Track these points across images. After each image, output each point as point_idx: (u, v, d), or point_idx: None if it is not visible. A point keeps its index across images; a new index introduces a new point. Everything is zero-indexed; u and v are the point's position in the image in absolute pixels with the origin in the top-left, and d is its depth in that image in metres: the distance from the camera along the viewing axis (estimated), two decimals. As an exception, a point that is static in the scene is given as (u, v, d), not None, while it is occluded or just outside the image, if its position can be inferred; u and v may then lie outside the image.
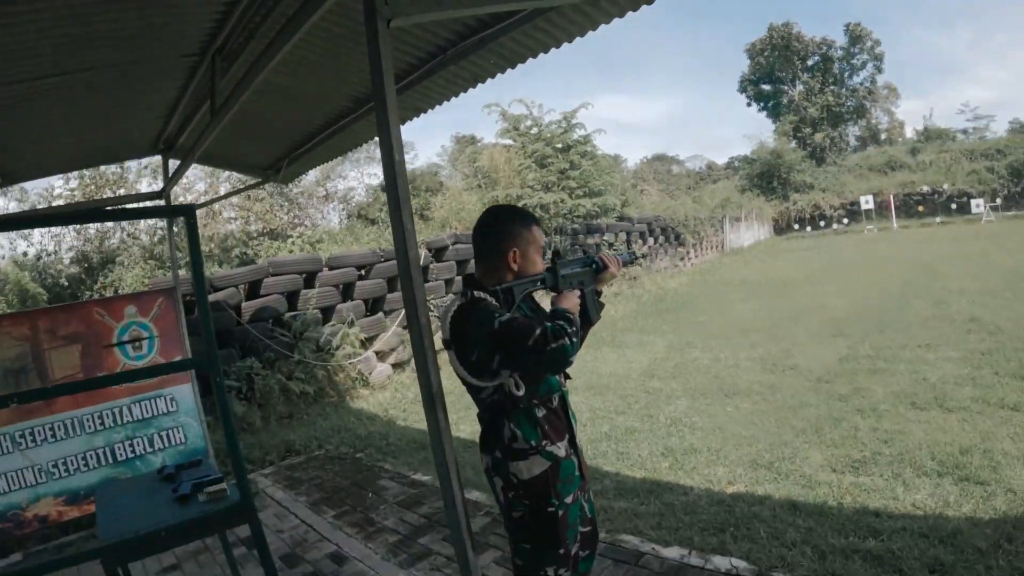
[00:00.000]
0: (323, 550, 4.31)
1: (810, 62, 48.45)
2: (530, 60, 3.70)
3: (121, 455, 5.24)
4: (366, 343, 9.41)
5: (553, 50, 3.58)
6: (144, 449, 5.32)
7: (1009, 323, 8.59)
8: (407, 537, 4.37)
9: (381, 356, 9.72)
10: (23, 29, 2.76)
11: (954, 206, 32.00)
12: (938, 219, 31.23)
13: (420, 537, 4.34)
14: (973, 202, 30.52)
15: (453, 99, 4.35)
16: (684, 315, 13.02)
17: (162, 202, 5.89)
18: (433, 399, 2.15)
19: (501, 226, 2.39)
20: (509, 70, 3.80)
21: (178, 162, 5.24)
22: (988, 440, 4.90)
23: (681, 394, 7.30)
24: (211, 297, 7.72)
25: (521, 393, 2.23)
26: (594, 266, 2.57)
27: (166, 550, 3.30)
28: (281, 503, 5.27)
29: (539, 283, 2.37)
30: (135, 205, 7.72)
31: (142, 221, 13.40)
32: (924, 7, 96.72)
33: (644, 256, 18.46)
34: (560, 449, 2.30)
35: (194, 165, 5.43)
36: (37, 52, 3.01)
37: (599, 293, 2.61)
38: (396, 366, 9.89)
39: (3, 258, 13.64)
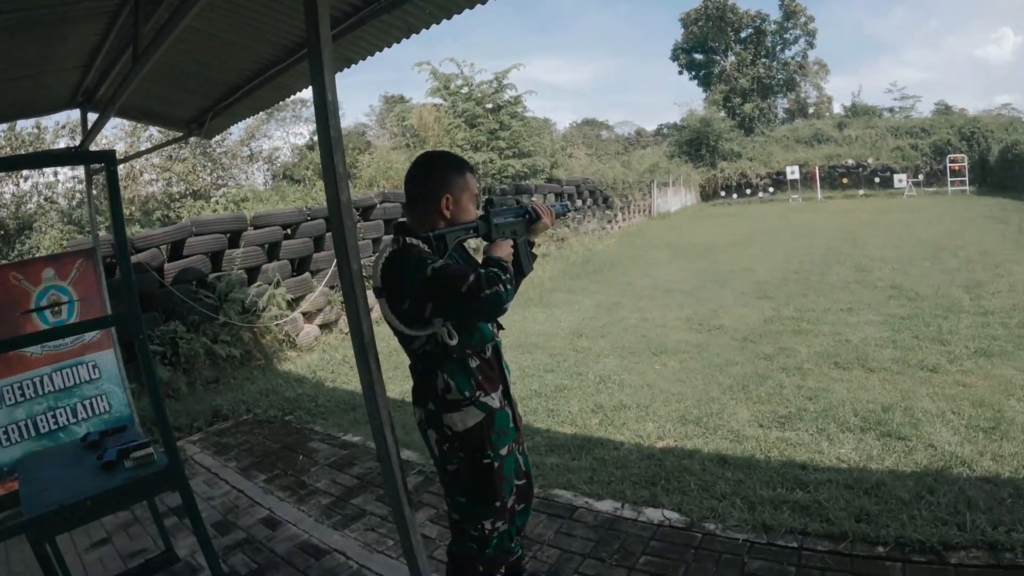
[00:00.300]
0: (255, 515, 4.21)
1: (743, 34, 49.18)
2: (466, 13, 3.60)
3: (44, 427, 4.93)
4: (293, 304, 9.17)
5: (491, 2, 3.49)
6: (68, 420, 5.02)
7: (928, 290, 8.96)
8: (340, 498, 4.31)
9: (308, 317, 9.51)
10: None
11: (877, 180, 33.13)
12: (862, 192, 32.30)
13: (353, 498, 4.29)
14: (896, 177, 31.60)
15: (386, 50, 4.20)
16: (611, 276, 13.16)
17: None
18: (365, 349, 2.08)
19: (434, 172, 2.34)
20: (445, 20, 3.67)
21: (97, 115, 4.95)
22: (909, 399, 5.10)
23: (610, 352, 7.40)
24: (132, 258, 7.31)
25: (454, 343, 2.20)
26: (527, 216, 2.55)
27: (94, 520, 3.15)
28: (211, 470, 5.13)
29: (472, 231, 2.33)
30: (50, 154, 7.25)
31: (60, 184, 12.76)
32: None
33: (577, 209, 18.54)
34: (494, 400, 2.29)
35: (114, 124, 5.16)
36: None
37: (532, 244, 2.59)
38: (323, 327, 9.71)
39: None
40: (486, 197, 2.71)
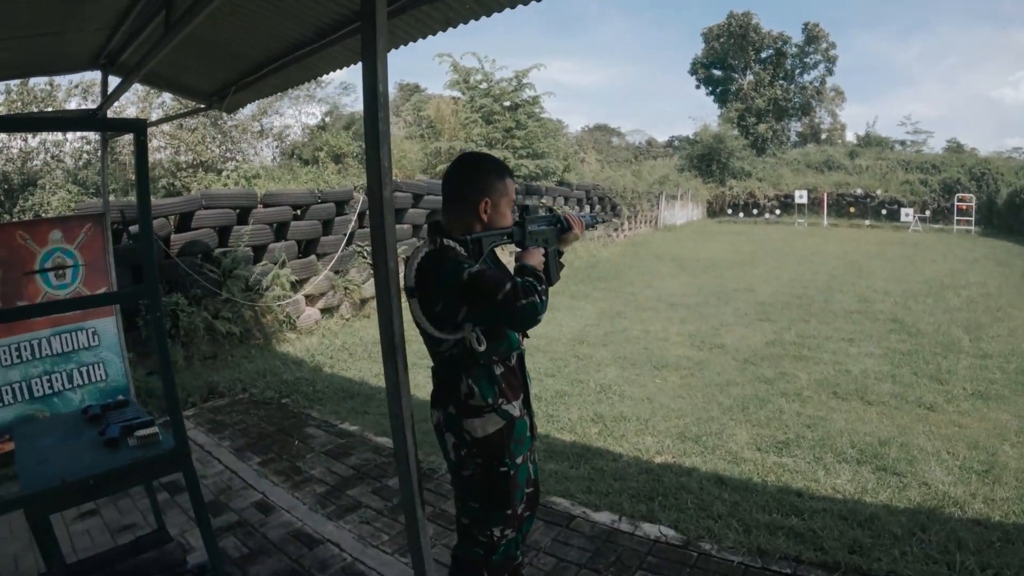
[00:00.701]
0: (249, 498, 4.19)
1: (764, 54, 49.22)
2: (507, 11, 3.58)
3: (38, 391, 4.88)
4: (296, 286, 9.15)
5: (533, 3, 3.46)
6: (63, 385, 4.98)
7: (929, 327, 8.96)
8: (335, 488, 4.29)
9: (310, 300, 9.49)
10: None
11: (884, 212, 33.09)
12: (867, 222, 32.26)
13: (349, 488, 4.26)
14: (903, 211, 31.58)
15: (416, 42, 4.18)
16: (616, 284, 13.18)
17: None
18: (394, 349, 2.05)
19: (476, 174, 2.31)
20: (484, 17, 3.65)
21: (119, 80, 4.88)
22: (905, 435, 5.12)
23: (611, 362, 7.40)
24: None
25: (482, 349, 2.16)
26: (560, 225, 2.52)
27: (94, 499, 3.13)
28: (204, 447, 5.10)
29: (506, 237, 2.31)
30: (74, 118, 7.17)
31: (68, 144, 12.61)
32: (883, 18, 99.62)
33: (606, 221, 18.41)
34: (515, 408, 2.27)
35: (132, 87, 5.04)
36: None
37: (561, 254, 2.56)
38: (325, 311, 9.69)
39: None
40: (521, 204, 2.72)
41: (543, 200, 15.82)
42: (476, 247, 2.17)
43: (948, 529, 3.58)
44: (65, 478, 2.44)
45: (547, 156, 17.57)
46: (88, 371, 5.11)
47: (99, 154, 6.02)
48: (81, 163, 12.61)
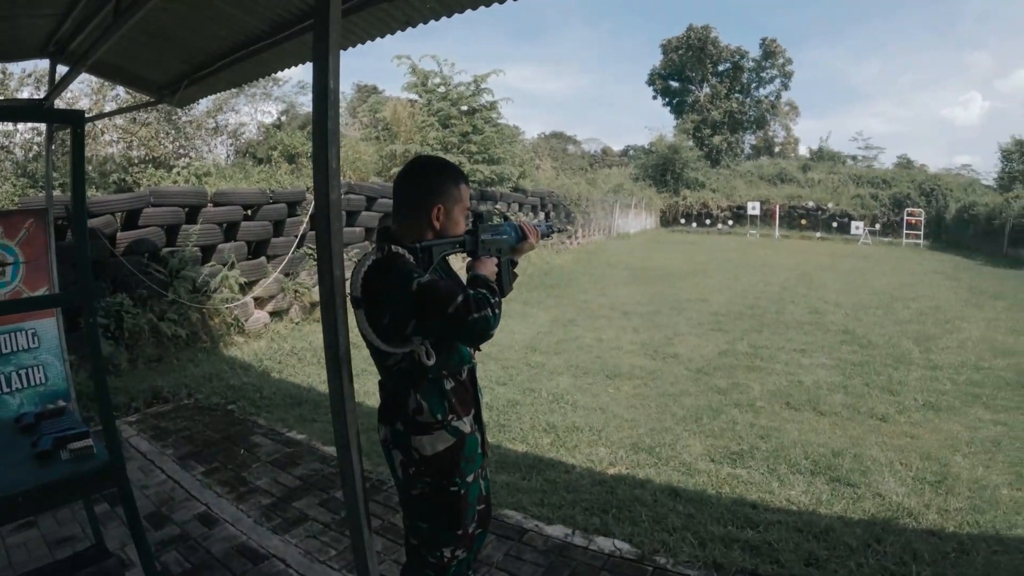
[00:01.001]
0: (191, 510, 4.01)
1: (721, 68, 50.28)
2: (468, 14, 3.51)
3: None
4: (245, 288, 8.91)
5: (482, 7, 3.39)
6: (0, 388, 4.76)
7: (880, 339, 9.12)
8: (281, 500, 4.13)
9: (259, 303, 9.25)
10: None
11: (835, 225, 33.94)
12: (818, 234, 33.06)
13: (295, 500, 4.11)
14: (853, 224, 32.52)
15: (375, 40, 4.07)
16: (568, 292, 13.17)
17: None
18: (339, 362, 1.91)
19: (430, 179, 2.21)
20: (445, 17, 3.58)
21: (67, 69, 4.67)
22: (858, 446, 5.16)
23: (563, 371, 7.35)
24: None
25: (431, 363, 2.07)
26: (514, 234, 2.44)
27: (23, 518, 2.95)
28: (147, 456, 4.88)
29: (458, 246, 2.21)
30: (13, 107, 6.86)
31: (18, 134, 12.18)
32: (840, 36, 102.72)
33: (563, 230, 18.42)
34: (466, 424, 2.17)
35: (81, 79, 4.83)
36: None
37: (514, 264, 2.47)
38: (274, 314, 9.45)
39: None
40: (475, 211, 2.62)
41: (498, 206, 15.78)
42: (426, 256, 2.06)
43: (903, 540, 3.61)
44: (-6, 495, 2.28)
45: (503, 162, 17.55)
46: (27, 374, 4.76)
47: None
48: (31, 155, 12.18)
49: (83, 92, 13.27)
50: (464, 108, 17.21)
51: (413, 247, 2.06)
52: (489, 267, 2.20)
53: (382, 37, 3.99)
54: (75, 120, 2.48)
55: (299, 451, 4.94)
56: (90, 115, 9.06)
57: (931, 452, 5.03)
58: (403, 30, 3.83)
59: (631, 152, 51.40)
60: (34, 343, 4.78)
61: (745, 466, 4.75)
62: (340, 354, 1.90)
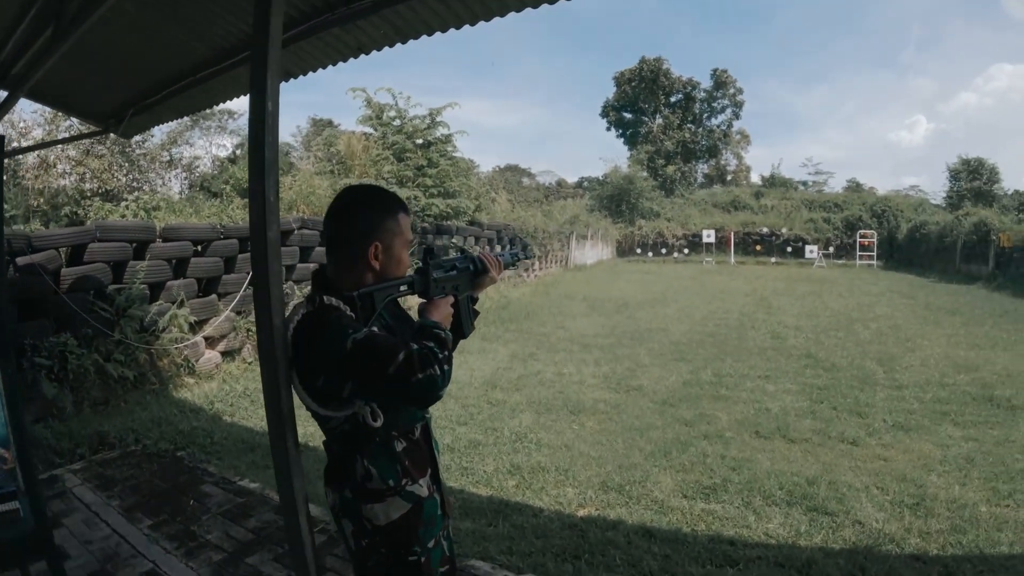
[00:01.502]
0: (138, 568, 3.71)
1: (673, 99, 51.39)
2: (405, 44, 3.44)
3: None
4: (196, 327, 8.55)
5: (438, 34, 3.30)
6: None
7: (843, 361, 9.17)
8: (233, 555, 3.85)
9: (211, 342, 8.89)
10: None
11: (789, 249, 34.69)
12: (773, 259, 33.70)
13: (248, 556, 3.83)
14: (808, 248, 33.30)
15: (320, 71, 3.98)
16: (527, 326, 12.96)
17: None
18: (283, 422, 1.70)
19: (361, 213, 1.95)
20: (399, 44, 3.47)
21: (6, 94, 4.45)
22: (832, 472, 5.09)
23: (525, 407, 7.14)
24: (27, 259, 6.73)
25: (378, 424, 1.83)
26: (472, 268, 2.22)
27: None
28: (91, 507, 4.56)
29: (405, 288, 1.98)
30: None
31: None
32: (788, 66, 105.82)
33: (529, 258, 18.24)
34: (422, 487, 1.94)
35: (35, 109, 4.65)
36: None
37: (474, 300, 2.27)
38: (226, 354, 9.09)
39: None
40: (423, 246, 2.40)
41: (454, 240, 15.60)
42: (366, 304, 1.83)
43: (888, 568, 3.55)
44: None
45: (458, 195, 17.46)
46: None
47: None
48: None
49: (36, 121, 13.16)
50: (419, 141, 17.14)
51: (351, 295, 1.83)
52: (443, 310, 1.98)
53: (334, 64, 3.90)
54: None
55: (251, 501, 4.65)
56: (18, 148, 8.71)
57: (906, 474, 5.00)
58: (355, 57, 3.74)
59: (585, 184, 51.95)
60: (-31, 390, 4.50)
61: (719, 500, 4.62)
62: (283, 413, 1.69)
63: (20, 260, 6.65)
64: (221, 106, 5.57)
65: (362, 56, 3.70)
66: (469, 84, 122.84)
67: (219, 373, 8.59)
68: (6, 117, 4.64)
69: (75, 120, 12.15)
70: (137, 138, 13.68)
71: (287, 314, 1.92)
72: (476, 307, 2.30)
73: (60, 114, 12.31)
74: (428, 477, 1.98)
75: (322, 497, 2.00)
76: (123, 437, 5.99)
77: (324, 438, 1.97)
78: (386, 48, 3.54)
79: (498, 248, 18.47)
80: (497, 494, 4.80)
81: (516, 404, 7.27)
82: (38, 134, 13.01)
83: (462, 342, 2.12)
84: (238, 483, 5.00)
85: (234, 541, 4.03)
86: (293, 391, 1.87)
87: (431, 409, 2.05)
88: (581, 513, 4.48)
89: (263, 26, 1.71)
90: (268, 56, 1.69)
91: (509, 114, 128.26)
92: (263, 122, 1.67)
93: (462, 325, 2.15)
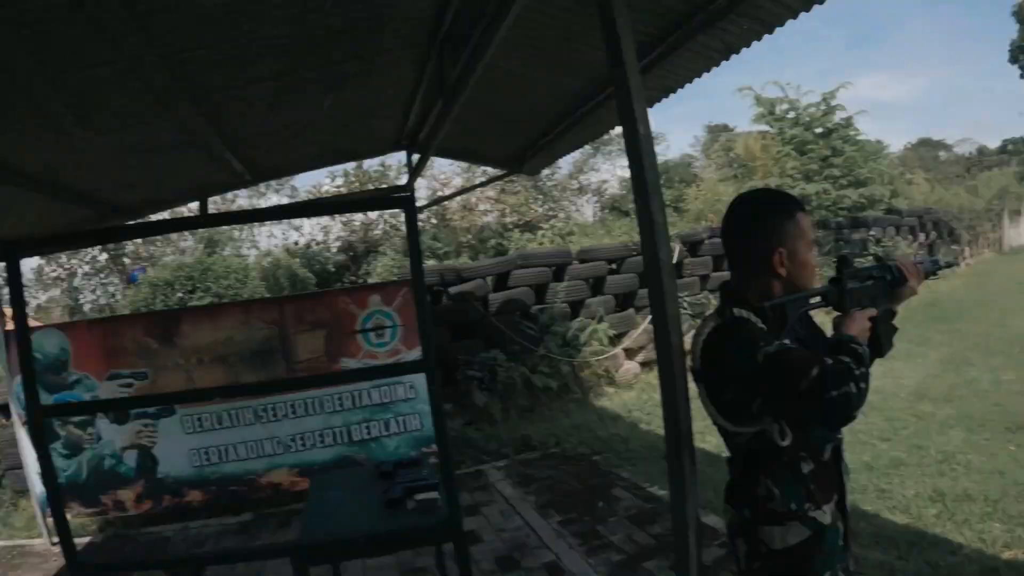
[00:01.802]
0: (540, 558, 4.10)
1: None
2: (780, 32, 3.22)
3: (357, 435, 5.58)
4: (614, 340, 9.12)
5: (816, 7, 3.01)
6: (380, 432, 5.61)
7: None
8: (632, 557, 4.00)
9: (629, 353, 9.38)
10: (258, 27, 2.75)
11: None
12: None
13: (646, 560, 3.94)
14: None
15: (705, 76, 3.92)
16: (960, 325, 10.94)
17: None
18: (679, 443, 1.69)
19: (759, 219, 1.83)
20: (767, 35, 3.30)
21: (418, 156, 5.36)
22: None
23: (956, 423, 6.07)
24: (458, 288, 7.99)
25: (786, 444, 1.72)
26: (889, 277, 1.94)
27: (362, 558, 3.26)
28: (509, 500, 5.18)
29: (819, 299, 1.81)
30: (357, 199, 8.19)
31: (401, 213, 14.58)
32: None
33: (954, 265, 15.91)
34: (826, 515, 1.76)
35: (451, 162, 5.59)
36: (276, 47, 3.01)
37: (893, 315, 1.98)
38: (644, 365, 9.44)
39: (277, 247, 15.59)
40: (839, 255, 2.17)
41: (871, 233, 14.03)
42: (778, 315, 1.72)
43: None
44: (336, 537, 2.54)
45: (870, 182, 15.73)
46: (404, 421, 5.66)
47: (432, 222, 6.73)
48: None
49: (455, 172, 15.42)
50: (819, 130, 15.82)
51: (762, 307, 1.73)
52: (860, 323, 1.78)
53: (708, 71, 3.89)
54: (405, 205, 2.73)
55: (658, 508, 4.75)
56: (426, 202, 10.51)
57: None
58: (726, 59, 3.69)
59: (1010, 147, 43.12)
60: (412, 394, 5.64)
61: None
62: (682, 432, 1.68)
63: (452, 289, 8.01)
64: (616, 131, 5.86)
65: (739, 52, 3.60)
66: (856, 59, 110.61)
67: (637, 383, 9.01)
68: (428, 172, 5.65)
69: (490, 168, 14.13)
70: (546, 171, 15.12)
71: (698, 327, 1.90)
72: (895, 322, 2.02)
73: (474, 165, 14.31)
74: (833, 504, 1.82)
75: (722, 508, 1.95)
76: (544, 440, 6.64)
77: (727, 455, 1.92)
78: (754, 43, 3.41)
79: (916, 245, 16.16)
80: (914, 523, 4.18)
81: (946, 418, 6.27)
82: (458, 182, 15.34)
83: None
84: (648, 489, 5.16)
85: (635, 544, 4.19)
86: (702, 405, 1.85)
87: (843, 429, 1.85)
88: (1006, 555, 3.68)
89: (616, 54, 1.75)
90: (629, 83, 1.73)
91: (907, 83, 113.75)
92: (638, 147, 1.71)
93: (880, 342, 1.92)
